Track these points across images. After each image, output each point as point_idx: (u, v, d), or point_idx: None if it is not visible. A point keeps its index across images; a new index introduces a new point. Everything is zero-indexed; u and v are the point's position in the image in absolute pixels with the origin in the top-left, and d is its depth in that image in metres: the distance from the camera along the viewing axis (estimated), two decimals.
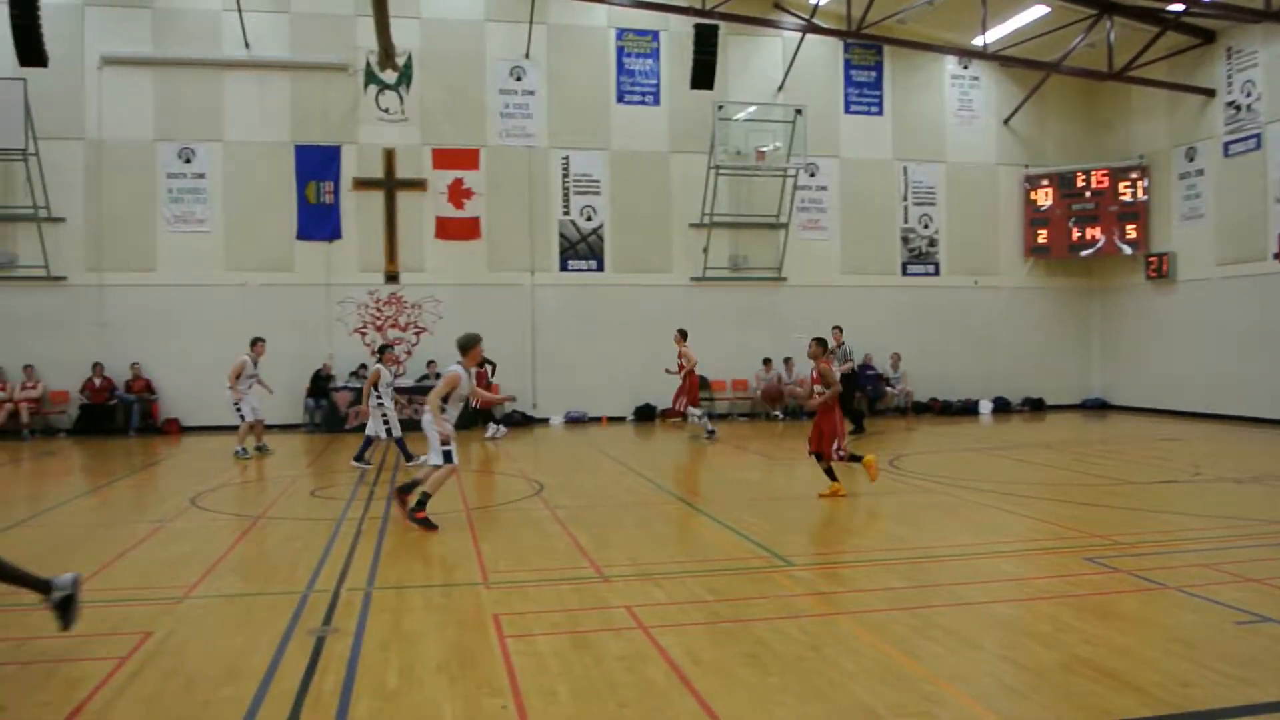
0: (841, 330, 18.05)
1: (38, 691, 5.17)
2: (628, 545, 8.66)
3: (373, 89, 21.27)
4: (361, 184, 21.20)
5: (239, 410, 15.67)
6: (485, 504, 11.31)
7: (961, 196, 24.15)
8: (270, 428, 19.84)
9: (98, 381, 19.89)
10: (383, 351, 14.90)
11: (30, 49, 17.06)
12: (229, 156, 20.76)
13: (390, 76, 21.16)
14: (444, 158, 21.51)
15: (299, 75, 21.00)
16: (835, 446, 11.06)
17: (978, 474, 13.17)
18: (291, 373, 20.22)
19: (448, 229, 21.52)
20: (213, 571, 7.86)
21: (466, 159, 21.59)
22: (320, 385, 20.42)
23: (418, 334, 21.41)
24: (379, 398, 14.08)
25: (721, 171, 22.09)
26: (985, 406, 23.54)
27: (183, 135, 20.61)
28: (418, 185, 21.40)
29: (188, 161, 20.63)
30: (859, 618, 6.41)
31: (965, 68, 24.07)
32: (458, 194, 21.55)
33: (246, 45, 20.55)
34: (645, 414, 22.02)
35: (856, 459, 11.24)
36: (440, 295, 21.40)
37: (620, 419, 22.05)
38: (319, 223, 21.06)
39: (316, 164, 21.03)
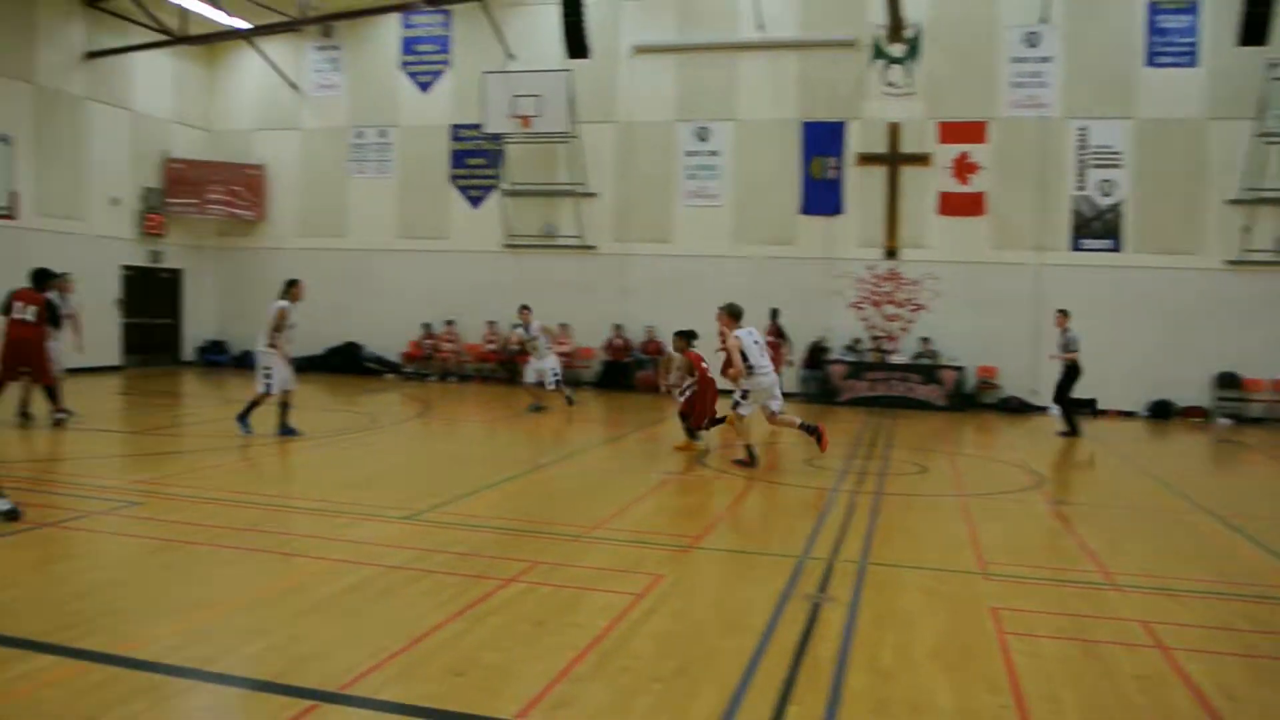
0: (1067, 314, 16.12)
1: (569, 612, 5.81)
2: (1144, 555, 7.90)
3: (879, 64, 21.22)
4: (865, 159, 21.28)
5: (268, 378, 12.65)
6: (982, 490, 10.91)
7: None
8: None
9: (618, 341, 22.00)
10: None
11: (576, 43, 19.12)
12: (740, 134, 21.84)
13: (897, 50, 20.98)
14: (950, 131, 20.93)
15: (808, 53, 21.49)
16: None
17: None
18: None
19: (951, 204, 20.96)
20: (715, 526, 8.35)
21: (973, 132, 20.83)
22: (816, 357, 20.93)
23: (914, 311, 21.14)
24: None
25: (1271, 139, 19.30)
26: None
27: (700, 115, 22.01)
28: (921, 160, 21.05)
29: (703, 140, 22.00)
30: None
31: None
32: (963, 168, 20.89)
33: (760, 27, 21.41)
34: (1161, 410, 19.99)
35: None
36: (939, 272, 20.93)
37: (1130, 414, 20.22)
38: (822, 198, 21.49)
39: (822, 140, 21.44)
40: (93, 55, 22.29)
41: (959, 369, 20.19)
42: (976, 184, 20.86)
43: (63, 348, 13.76)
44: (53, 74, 21.47)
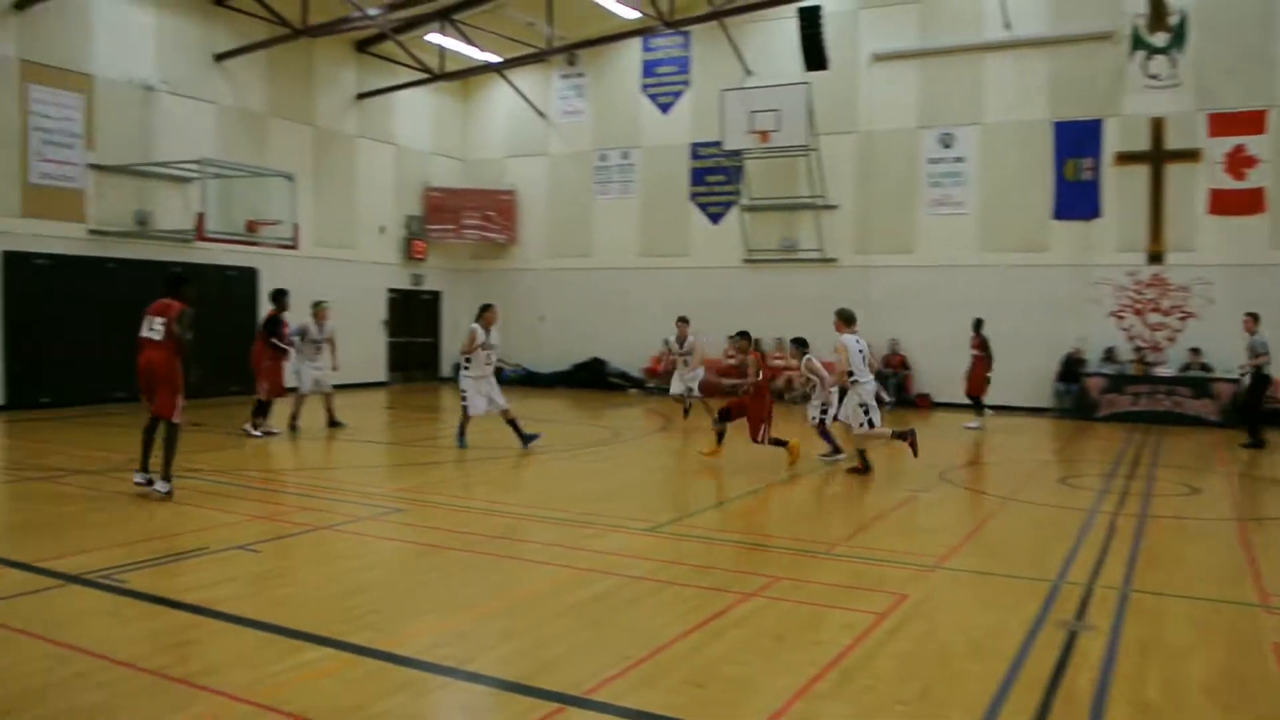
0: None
1: (810, 629, 5.74)
2: None
3: (1139, 55, 19.87)
4: (1124, 158, 19.96)
5: (464, 401, 13.10)
6: (1264, 515, 9.98)
7: None
8: (1016, 410, 19.85)
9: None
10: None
11: (815, 55, 19.05)
12: (986, 138, 21.01)
13: (1160, 39, 19.57)
14: (1222, 123, 19.31)
15: (1058, 50, 20.41)
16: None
17: None
18: (1039, 356, 19.97)
19: (1223, 203, 19.31)
20: (962, 546, 8.04)
21: (1250, 122, 19.12)
22: (1071, 369, 19.79)
23: (1183, 319, 19.62)
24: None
25: None
26: None
27: (943, 121, 21.34)
28: (1189, 156, 19.51)
29: (947, 146, 21.31)
30: None
31: None
32: (1237, 163, 19.21)
33: (1007, 25, 20.53)
34: None
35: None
36: (1211, 276, 19.33)
37: None
38: (1077, 201, 20.33)
39: (1075, 140, 20.29)
40: (362, 96, 24.16)
41: (1234, 381, 18.54)
42: (1254, 179, 19.12)
43: (324, 370, 15.09)
44: (329, 116, 23.43)
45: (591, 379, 24.81)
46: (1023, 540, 8.49)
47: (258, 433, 14.29)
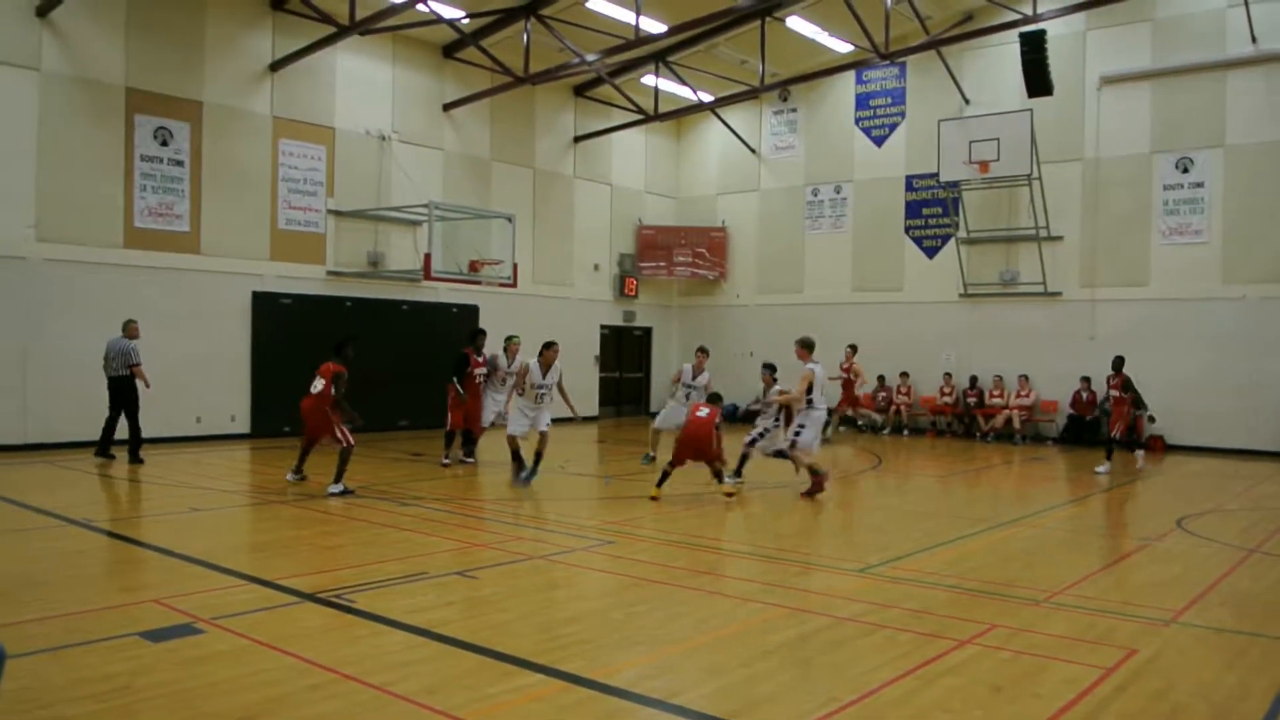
0: None
1: (1030, 681, 5.49)
2: None
3: None
4: None
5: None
6: None
7: None
8: (1264, 454, 18.32)
9: (1084, 394, 20.52)
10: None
11: (1038, 82, 18.39)
12: (1231, 162, 19.62)
13: None
14: None
15: None
16: None
17: None
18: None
19: None
20: (1201, 600, 7.50)
21: None
22: None
23: None
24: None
25: None
26: None
27: (1181, 145, 20.09)
28: None
29: (1185, 171, 20.05)
30: None
31: None
32: None
33: (1253, 39, 19.19)
34: None
35: None
36: None
37: None
38: None
39: None
40: (580, 139, 25.06)
41: None
42: None
43: (505, 403, 15.25)
44: (548, 158, 24.42)
45: None
46: (1271, 596, 7.82)
47: (470, 459, 15.07)
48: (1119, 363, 16.28)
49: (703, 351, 15.76)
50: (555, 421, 13.79)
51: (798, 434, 12.48)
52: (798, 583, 7.79)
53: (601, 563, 8.56)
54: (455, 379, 14.84)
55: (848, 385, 21.39)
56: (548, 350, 13.19)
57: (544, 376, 13.13)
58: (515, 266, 19.90)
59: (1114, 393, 16.16)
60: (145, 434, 14.92)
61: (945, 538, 9.92)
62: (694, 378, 15.22)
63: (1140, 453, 16.86)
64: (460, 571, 7.93)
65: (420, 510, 10.96)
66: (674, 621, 6.67)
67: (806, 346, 12.70)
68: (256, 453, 16.63)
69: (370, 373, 18.58)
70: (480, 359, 15.02)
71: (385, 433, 19.37)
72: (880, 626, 6.54)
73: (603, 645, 6.10)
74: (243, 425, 18.57)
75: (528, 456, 13.41)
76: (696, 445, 11.91)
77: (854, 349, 21.48)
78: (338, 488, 11.84)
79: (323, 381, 12.08)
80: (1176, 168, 20.12)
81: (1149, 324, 20.12)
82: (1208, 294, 19.67)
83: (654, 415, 26.82)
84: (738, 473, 13.13)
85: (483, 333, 15.48)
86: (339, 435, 11.97)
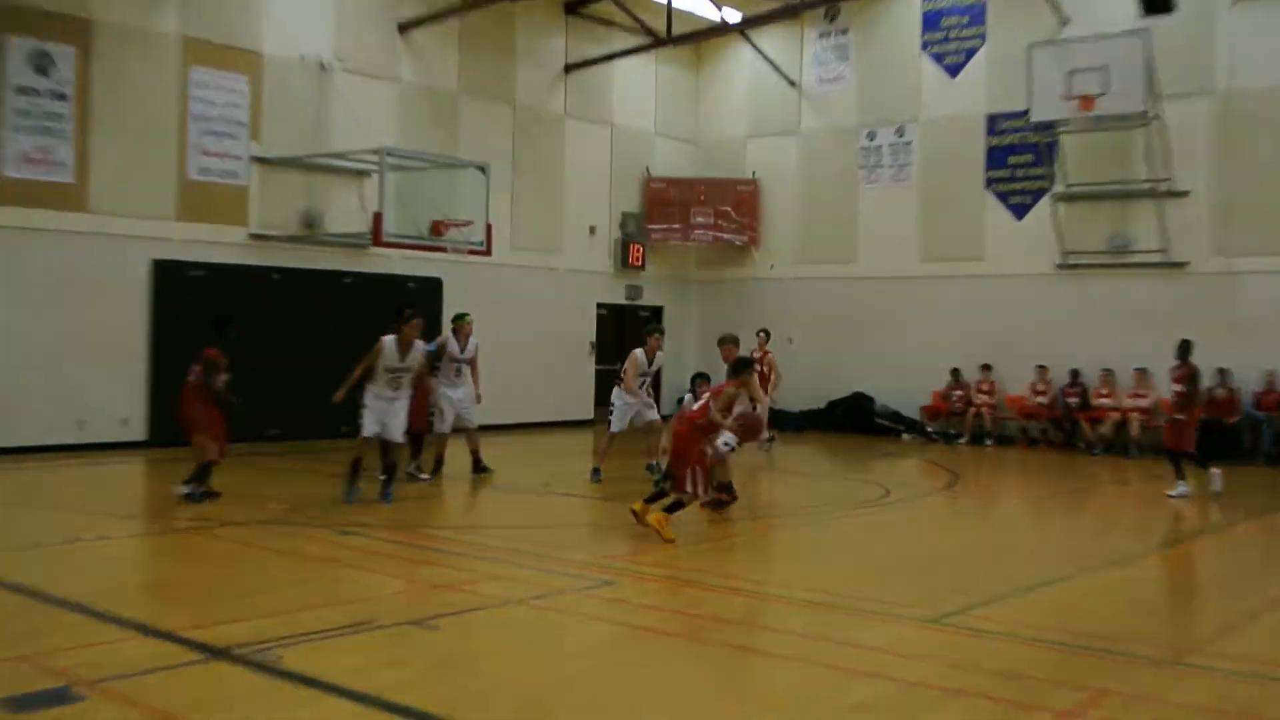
0: None
1: None
2: None
3: None
4: None
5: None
6: None
7: None
8: None
9: (1221, 393, 20.33)
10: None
11: None
12: None
13: None
14: None
15: None
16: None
17: None
18: None
19: None
20: None
21: None
22: None
23: None
24: None
25: None
26: None
27: None
28: None
29: None
30: None
31: None
32: None
33: None
34: None
35: None
36: None
37: None
38: None
39: None
40: (572, 68, 24.94)
41: None
42: None
43: (465, 399, 15.52)
44: (532, 93, 24.32)
45: (854, 420, 24.49)
46: None
47: (425, 475, 15.05)
48: (1184, 348, 15.59)
49: (732, 343, 14.87)
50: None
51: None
52: (853, 636, 7.68)
53: (598, 609, 8.44)
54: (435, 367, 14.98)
55: (763, 380, 20.51)
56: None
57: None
58: (489, 229, 19.76)
59: (1176, 387, 15.49)
60: (11, 443, 14.86)
61: (1042, 579, 9.80)
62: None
63: (1216, 471, 15.37)
64: (417, 621, 7.81)
65: (365, 541, 10.84)
66: (694, 686, 6.57)
67: (737, 345, 13.43)
68: (155, 465, 16.55)
69: (305, 364, 18.48)
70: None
71: (325, 440, 19.24)
72: (960, 692, 6.43)
73: (606, 716, 5.99)
74: (137, 431, 18.47)
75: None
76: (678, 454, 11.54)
77: (766, 334, 20.96)
78: (186, 489, 12.49)
79: (197, 370, 12.70)
80: None
81: None
82: None
83: (665, 418, 26.81)
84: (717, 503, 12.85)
85: (412, 308, 14.88)
86: (204, 442, 12.49)
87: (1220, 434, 19.99)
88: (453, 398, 15.50)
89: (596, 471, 15.58)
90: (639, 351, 15.37)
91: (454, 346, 15.48)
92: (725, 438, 11.67)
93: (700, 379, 13.55)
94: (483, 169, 19.81)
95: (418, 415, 14.98)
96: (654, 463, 15.46)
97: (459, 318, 15.73)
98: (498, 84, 23.62)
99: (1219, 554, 11.65)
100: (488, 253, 20.11)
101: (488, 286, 21.87)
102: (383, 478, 13.04)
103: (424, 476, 15.23)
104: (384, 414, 13.08)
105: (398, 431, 13.21)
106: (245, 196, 19.66)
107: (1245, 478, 17.08)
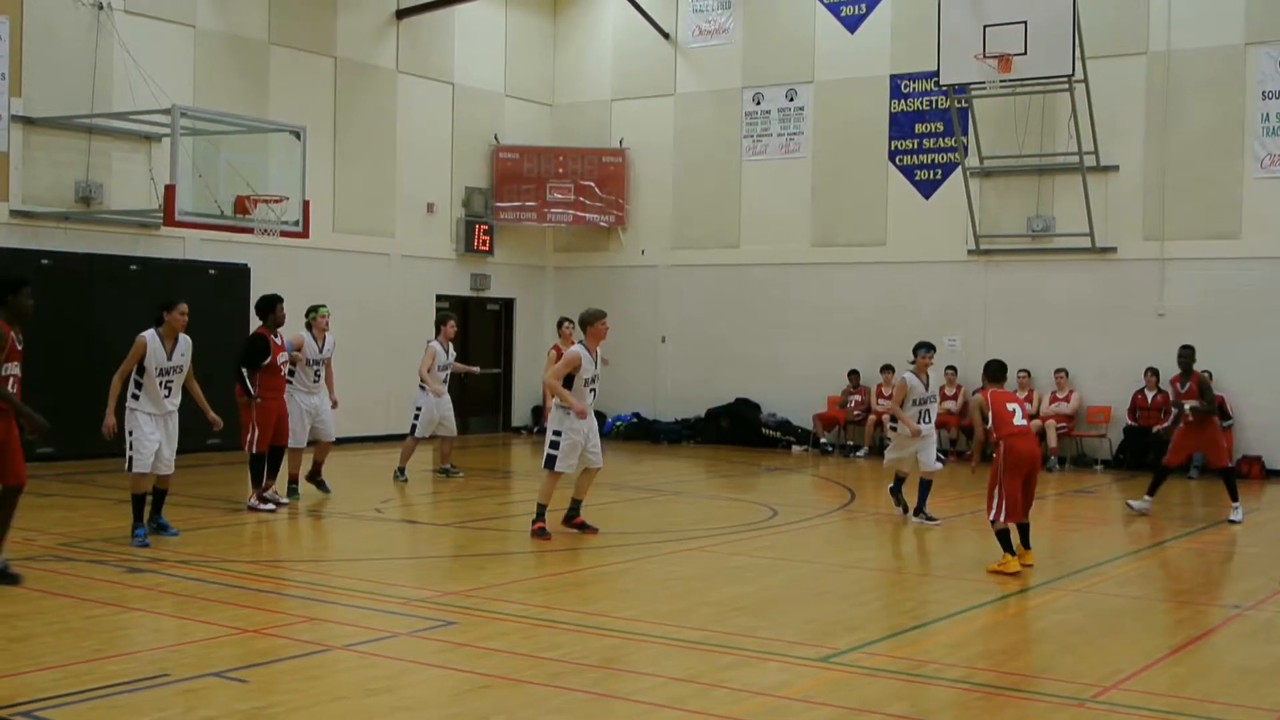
0: None
1: None
2: None
3: None
4: None
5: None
6: None
7: None
8: None
9: (1150, 395, 20.95)
10: None
11: None
12: None
13: None
14: None
15: None
16: None
17: None
18: None
19: None
20: None
21: None
22: None
23: None
24: None
25: None
26: None
27: None
28: None
29: None
30: None
31: None
32: None
33: None
34: None
35: None
36: None
37: None
38: None
39: None
40: (405, 14, 24.72)
41: None
42: None
43: (322, 407, 15.59)
44: (357, 44, 24.04)
45: (737, 431, 24.79)
46: None
47: (267, 506, 14.71)
48: (1188, 357, 16.26)
49: (570, 323, 16.74)
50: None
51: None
52: (732, 679, 7.77)
53: (437, 654, 8.44)
54: (244, 374, 14.53)
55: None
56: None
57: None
58: (307, 206, 19.59)
59: (1190, 404, 15.67)
60: None
61: (947, 609, 10.03)
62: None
63: (1238, 505, 15.48)
64: (221, 672, 7.74)
65: (158, 579, 10.68)
66: None
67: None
68: None
69: (81, 370, 18.09)
70: (278, 341, 14.85)
71: (108, 460, 18.85)
72: None
73: None
74: None
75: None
76: None
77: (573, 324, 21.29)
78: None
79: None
80: (1279, 65, 20.73)
81: (1244, 295, 20.71)
82: None
83: (516, 431, 26.81)
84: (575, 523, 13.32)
85: (278, 300, 14.99)
86: None
87: (1148, 441, 20.54)
88: (306, 407, 15.37)
89: (401, 471, 17.79)
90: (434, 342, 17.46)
91: (311, 346, 15.33)
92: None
93: None
94: (297, 134, 19.63)
95: (279, 429, 14.82)
96: (448, 465, 18.19)
97: (313, 310, 15.63)
98: (315, 31, 23.32)
99: (1145, 578, 12.05)
100: (305, 234, 19.92)
101: (305, 275, 21.57)
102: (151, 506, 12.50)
103: (283, 501, 14.99)
104: (162, 438, 12.29)
105: (173, 460, 12.55)
106: (4, 164, 19.13)
107: (1177, 489, 17.66)
